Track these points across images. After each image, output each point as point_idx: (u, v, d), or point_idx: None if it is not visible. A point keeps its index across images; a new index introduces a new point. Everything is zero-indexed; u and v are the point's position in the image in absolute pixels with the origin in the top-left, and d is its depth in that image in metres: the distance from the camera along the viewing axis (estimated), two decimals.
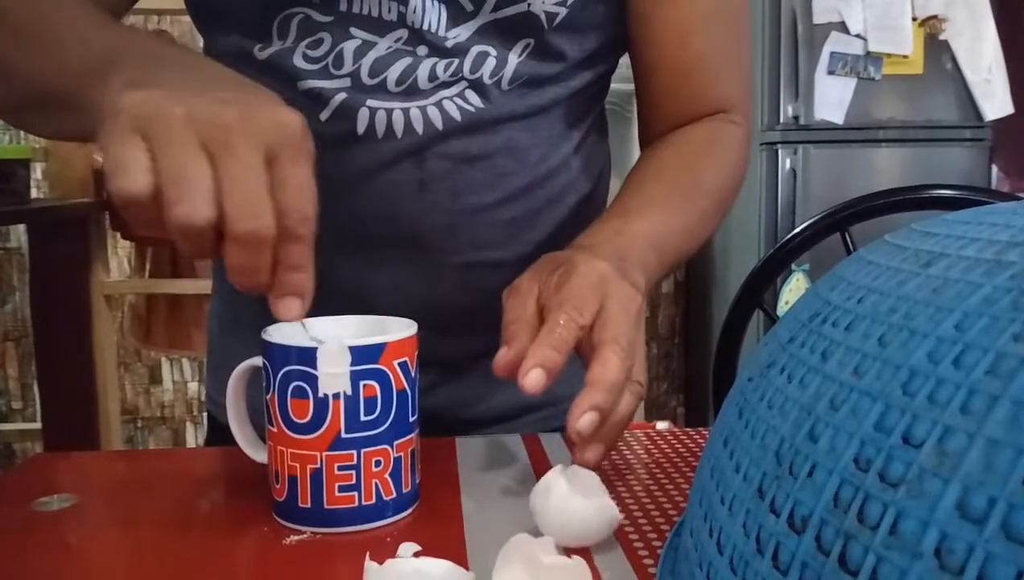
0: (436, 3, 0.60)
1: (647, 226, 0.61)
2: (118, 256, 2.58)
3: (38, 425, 2.13)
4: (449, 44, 0.60)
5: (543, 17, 0.61)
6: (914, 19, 2.18)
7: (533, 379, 0.47)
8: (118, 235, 2.23)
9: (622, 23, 0.66)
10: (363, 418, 0.46)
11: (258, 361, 0.49)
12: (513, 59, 0.62)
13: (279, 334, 0.48)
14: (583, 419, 0.46)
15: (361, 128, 0.61)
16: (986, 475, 0.19)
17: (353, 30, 0.60)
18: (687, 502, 0.44)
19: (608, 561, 0.42)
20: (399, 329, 0.48)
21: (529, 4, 0.60)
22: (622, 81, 0.73)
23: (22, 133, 2.45)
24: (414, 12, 0.59)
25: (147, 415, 2.72)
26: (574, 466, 0.46)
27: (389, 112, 0.61)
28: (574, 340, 0.49)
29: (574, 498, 0.42)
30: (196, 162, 0.39)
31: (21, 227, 2.43)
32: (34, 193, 2.13)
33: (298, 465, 0.46)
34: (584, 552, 0.43)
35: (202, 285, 2.10)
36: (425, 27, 0.60)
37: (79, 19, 0.53)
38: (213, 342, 0.78)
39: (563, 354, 0.48)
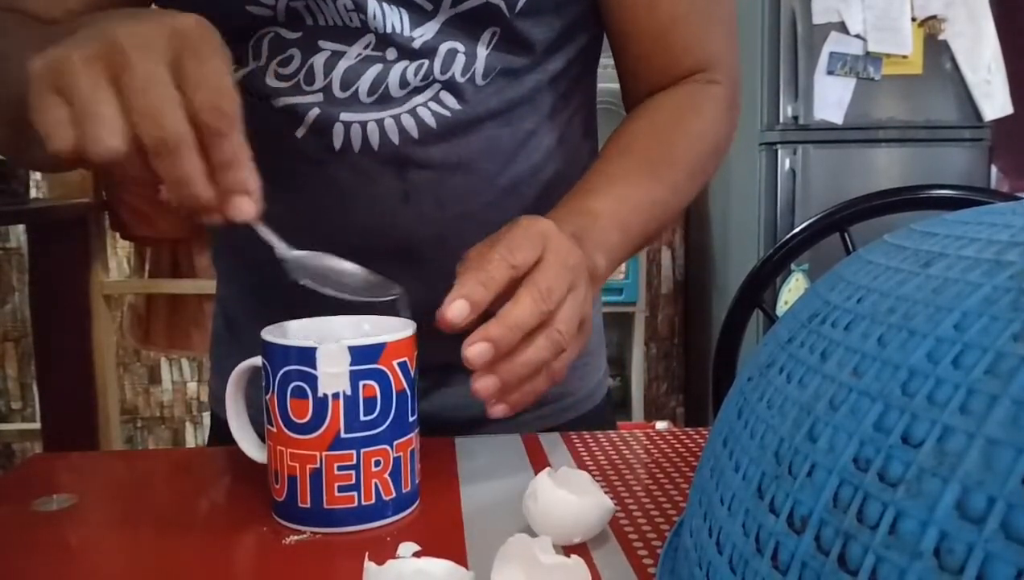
0: (395, 7, 0.59)
1: (609, 205, 0.60)
2: (118, 256, 2.58)
3: (37, 425, 2.13)
4: (416, 44, 0.60)
5: (503, 6, 0.60)
6: (913, 19, 2.18)
7: (457, 308, 0.46)
8: (118, 235, 2.23)
9: None
10: (363, 418, 0.46)
11: (258, 361, 0.49)
12: (482, 52, 0.61)
13: (279, 334, 0.48)
14: (473, 347, 0.46)
15: (338, 143, 0.61)
16: (985, 475, 0.19)
17: (321, 43, 0.60)
18: (687, 502, 0.44)
19: (607, 560, 0.43)
20: (399, 329, 0.48)
21: None
22: (616, 81, 0.72)
23: None
24: (374, 18, 0.59)
25: (146, 415, 2.73)
26: (564, 467, 0.47)
27: (363, 124, 0.61)
28: (504, 279, 0.48)
29: (561, 497, 0.43)
30: (99, 94, 0.40)
31: (21, 227, 2.43)
32: (34, 193, 2.13)
33: (298, 465, 0.46)
34: (583, 552, 0.43)
35: (202, 285, 2.10)
36: (389, 30, 0.59)
37: (21, 38, 0.54)
38: (217, 341, 0.78)
39: (490, 290, 0.47)
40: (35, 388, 2.23)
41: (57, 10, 0.61)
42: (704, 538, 0.30)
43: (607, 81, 0.74)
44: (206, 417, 2.73)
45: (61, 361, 1.98)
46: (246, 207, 0.44)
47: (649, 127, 0.67)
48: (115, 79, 0.40)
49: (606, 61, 0.72)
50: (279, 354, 0.46)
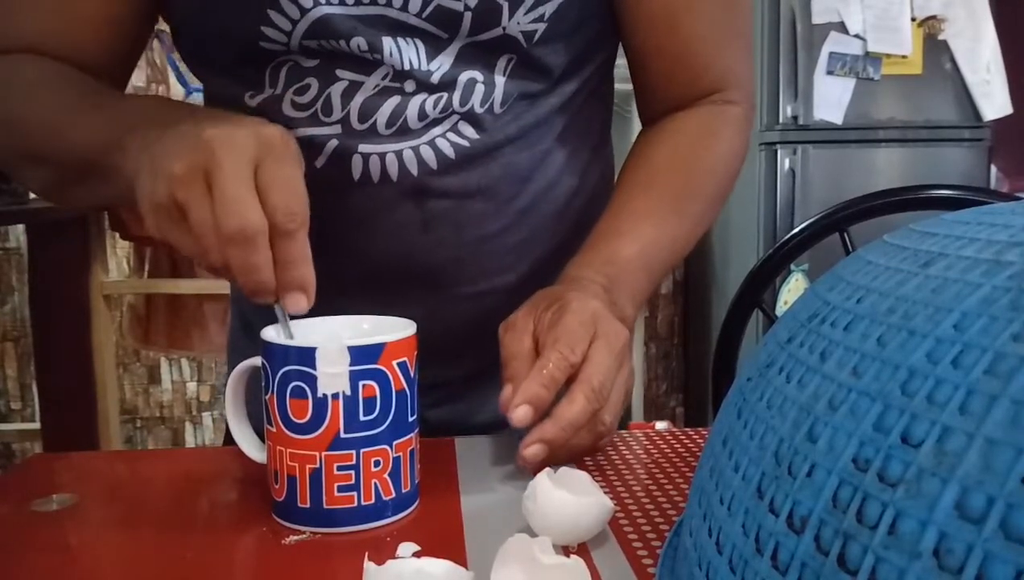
0: (410, 40, 0.59)
1: (637, 247, 0.62)
2: (117, 256, 2.57)
3: (37, 425, 2.13)
4: (435, 78, 0.60)
5: (521, 37, 0.60)
6: (913, 19, 2.19)
7: (521, 414, 0.50)
8: (117, 235, 2.22)
9: (606, 17, 0.65)
10: (362, 418, 0.46)
11: (258, 361, 0.49)
12: (500, 80, 0.61)
13: (279, 334, 0.48)
14: (531, 449, 0.50)
15: (356, 174, 0.61)
16: (985, 475, 0.19)
17: (339, 72, 0.60)
18: (686, 502, 0.44)
19: (607, 561, 0.43)
20: (398, 329, 0.48)
21: (504, 28, 0.59)
22: (622, 81, 0.72)
23: None
24: (391, 55, 0.59)
25: (146, 415, 2.72)
26: (564, 467, 0.47)
27: (382, 156, 0.61)
28: (564, 377, 0.51)
29: (561, 497, 0.43)
30: (198, 206, 0.45)
31: (20, 227, 2.43)
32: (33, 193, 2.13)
33: (297, 465, 0.46)
34: (583, 551, 0.43)
35: (202, 285, 2.10)
36: (407, 67, 0.59)
37: (84, 104, 0.59)
38: (234, 342, 0.78)
39: (551, 391, 0.51)
40: (35, 388, 2.23)
41: (83, 50, 0.63)
42: (704, 538, 0.30)
43: (616, 82, 0.74)
44: (206, 417, 2.73)
45: (61, 361, 1.98)
46: (301, 303, 0.48)
47: (671, 158, 0.67)
48: (207, 177, 0.45)
49: (617, 61, 0.71)
50: (279, 354, 0.46)
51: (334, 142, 0.61)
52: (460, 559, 0.41)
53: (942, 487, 0.20)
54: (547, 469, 0.45)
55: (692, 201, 0.66)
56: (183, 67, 2.19)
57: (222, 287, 1.94)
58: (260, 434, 0.51)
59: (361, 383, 0.46)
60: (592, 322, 0.54)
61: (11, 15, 0.62)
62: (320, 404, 0.45)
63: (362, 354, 0.46)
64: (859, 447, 0.23)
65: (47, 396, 2.01)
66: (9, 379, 2.63)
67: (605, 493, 0.45)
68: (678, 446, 0.61)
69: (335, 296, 0.66)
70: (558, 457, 0.51)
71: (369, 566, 0.37)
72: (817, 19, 2.16)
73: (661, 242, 0.64)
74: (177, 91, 2.32)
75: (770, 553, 0.24)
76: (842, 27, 2.16)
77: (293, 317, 0.49)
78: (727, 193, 0.70)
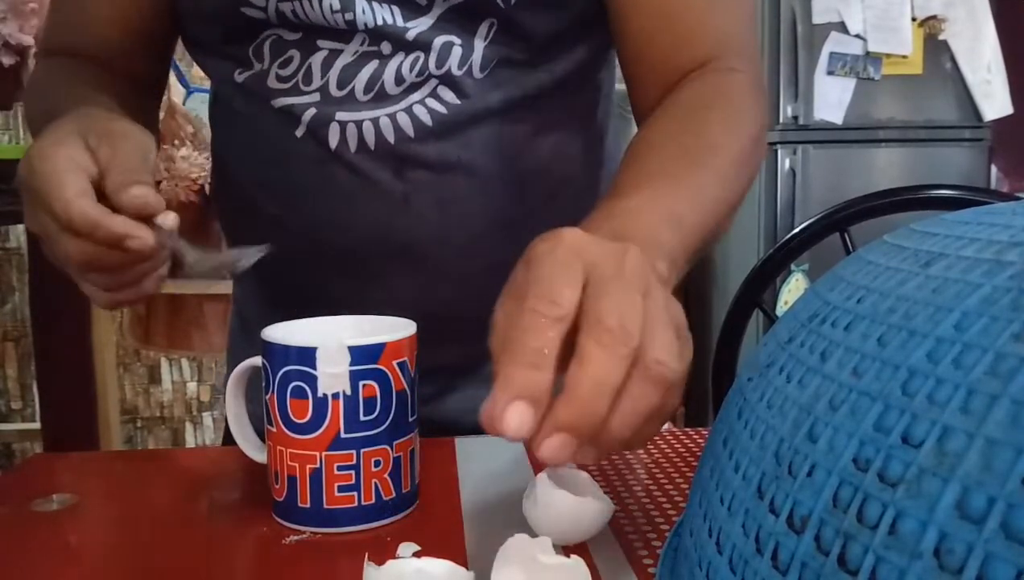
0: (385, 4, 0.59)
1: (647, 200, 0.47)
2: None
3: (37, 425, 2.13)
4: (411, 36, 0.59)
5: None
6: (913, 19, 2.19)
7: (515, 420, 0.33)
8: None
9: None
10: (362, 418, 0.46)
11: (258, 361, 0.49)
12: (479, 44, 0.60)
13: (280, 334, 0.48)
14: (546, 445, 0.33)
15: (333, 143, 0.61)
16: (985, 475, 0.19)
17: (320, 42, 0.60)
18: (686, 502, 0.44)
19: (607, 561, 0.42)
20: (398, 329, 0.48)
21: None
22: (622, 81, 0.72)
23: (22, 133, 2.45)
24: (363, 13, 0.58)
25: (146, 415, 2.72)
26: (564, 467, 0.46)
27: (359, 124, 0.61)
28: (557, 340, 0.35)
29: (561, 497, 0.43)
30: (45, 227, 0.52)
31: (20, 227, 2.43)
32: None
33: (297, 465, 0.46)
34: (583, 552, 0.43)
35: (202, 285, 2.09)
36: (379, 22, 0.59)
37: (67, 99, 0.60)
38: (233, 341, 0.78)
39: (547, 369, 0.34)
40: (35, 388, 2.23)
41: (104, 40, 0.66)
42: (704, 538, 0.30)
43: (618, 82, 0.73)
44: (206, 417, 2.73)
45: (61, 361, 1.98)
46: (168, 219, 0.50)
47: (674, 120, 0.57)
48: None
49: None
50: (279, 354, 0.46)
51: (312, 111, 0.61)
52: (460, 559, 0.41)
53: (943, 487, 0.20)
54: (547, 469, 0.45)
55: (711, 155, 0.53)
56: (184, 67, 2.19)
57: (222, 287, 1.94)
58: (260, 434, 0.51)
59: (361, 383, 0.46)
60: (573, 254, 0.37)
61: (53, 22, 0.69)
62: (320, 404, 0.45)
63: (362, 354, 0.46)
64: (859, 447, 0.22)
65: (47, 396, 2.01)
66: (9, 379, 2.63)
67: (605, 493, 0.45)
68: (678, 446, 0.61)
69: (318, 271, 0.66)
70: (605, 442, 0.35)
71: (369, 566, 0.37)
72: (817, 19, 2.16)
73: (684, 194, 0.49)
74: (178, 91, 2.32)
75: (770, 553, 0.24)
76: (842, 27, 2.16)
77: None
78: (753, 159, 0.57)
